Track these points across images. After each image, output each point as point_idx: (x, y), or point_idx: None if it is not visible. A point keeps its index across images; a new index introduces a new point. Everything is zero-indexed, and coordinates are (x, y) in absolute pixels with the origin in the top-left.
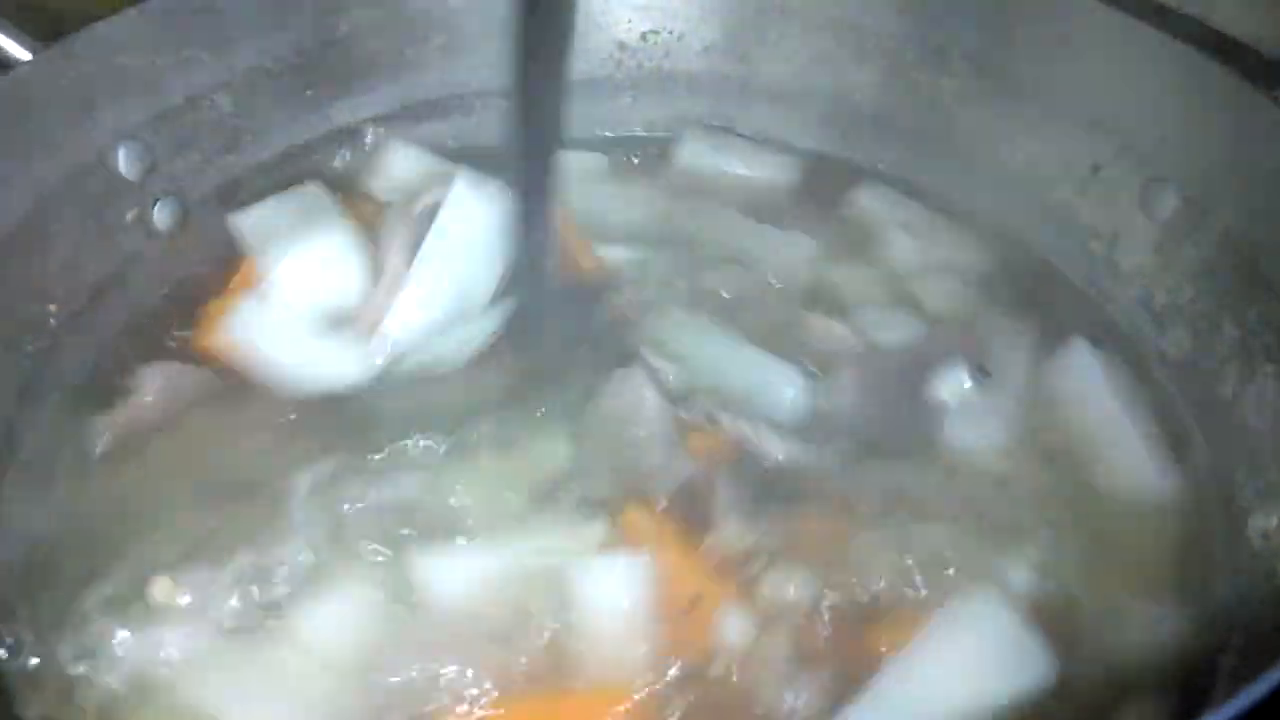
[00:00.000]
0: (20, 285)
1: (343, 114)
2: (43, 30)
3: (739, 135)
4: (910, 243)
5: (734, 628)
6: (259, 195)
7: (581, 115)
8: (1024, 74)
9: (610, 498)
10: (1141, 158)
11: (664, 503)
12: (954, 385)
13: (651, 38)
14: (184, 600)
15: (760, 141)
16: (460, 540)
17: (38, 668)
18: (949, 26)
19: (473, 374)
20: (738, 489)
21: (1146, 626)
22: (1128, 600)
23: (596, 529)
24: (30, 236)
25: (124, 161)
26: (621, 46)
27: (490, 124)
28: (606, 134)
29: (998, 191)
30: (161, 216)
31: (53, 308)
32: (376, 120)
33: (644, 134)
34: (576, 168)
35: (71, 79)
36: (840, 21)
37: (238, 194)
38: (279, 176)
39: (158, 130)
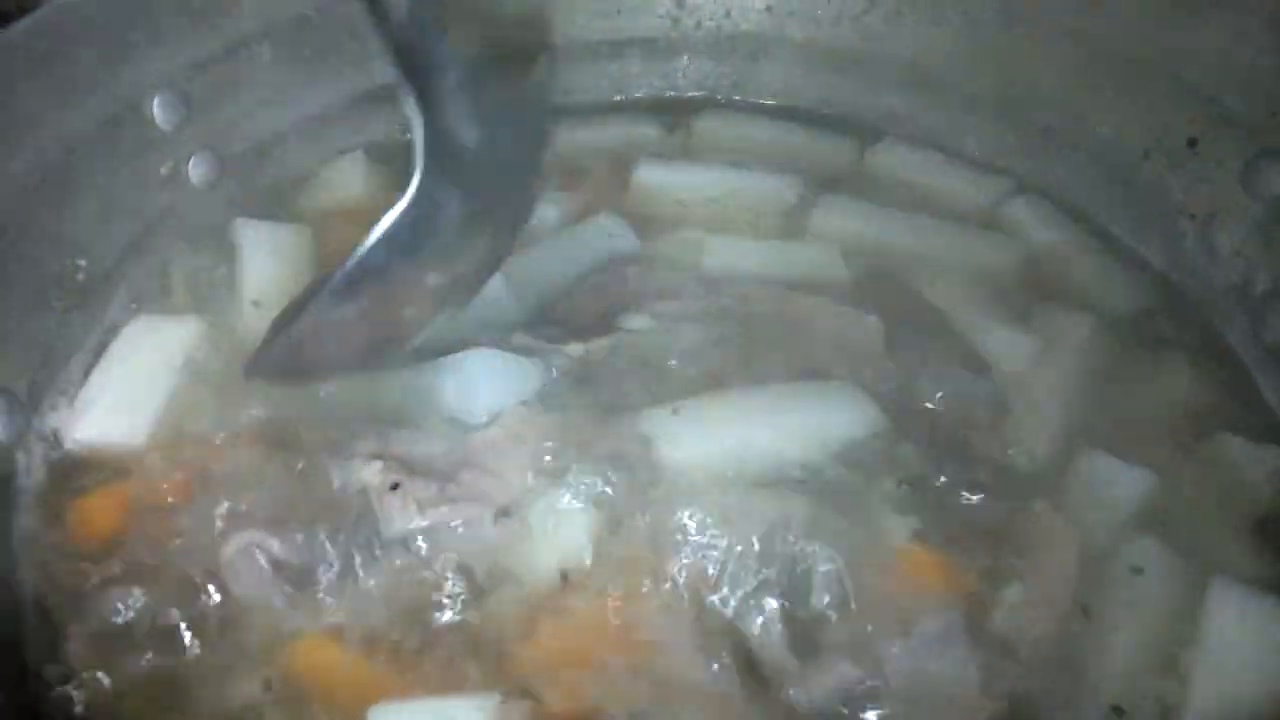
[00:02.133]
0: (49, 238)
1: (386, 70)
2: None
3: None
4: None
5: None
6: (295, 153)
7: (632, 77)
8: (1115, 35)
9: None
10: (1248, 130)
11: None
12: None
13: None
14: None
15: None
16: None
17: None
18: None
19: None
20: None
21: None
22: None
23: None
24: (60, 186)
25: (159, 111)
26: (679, 3)
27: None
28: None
29: (1076, 165)
30: (197, 171)
31: (82, 262)
32: None
33: (697, 94)
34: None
35: (103, 20)
36: None
37: (275, 151)
38: (319, 138)
39: (194, 79)
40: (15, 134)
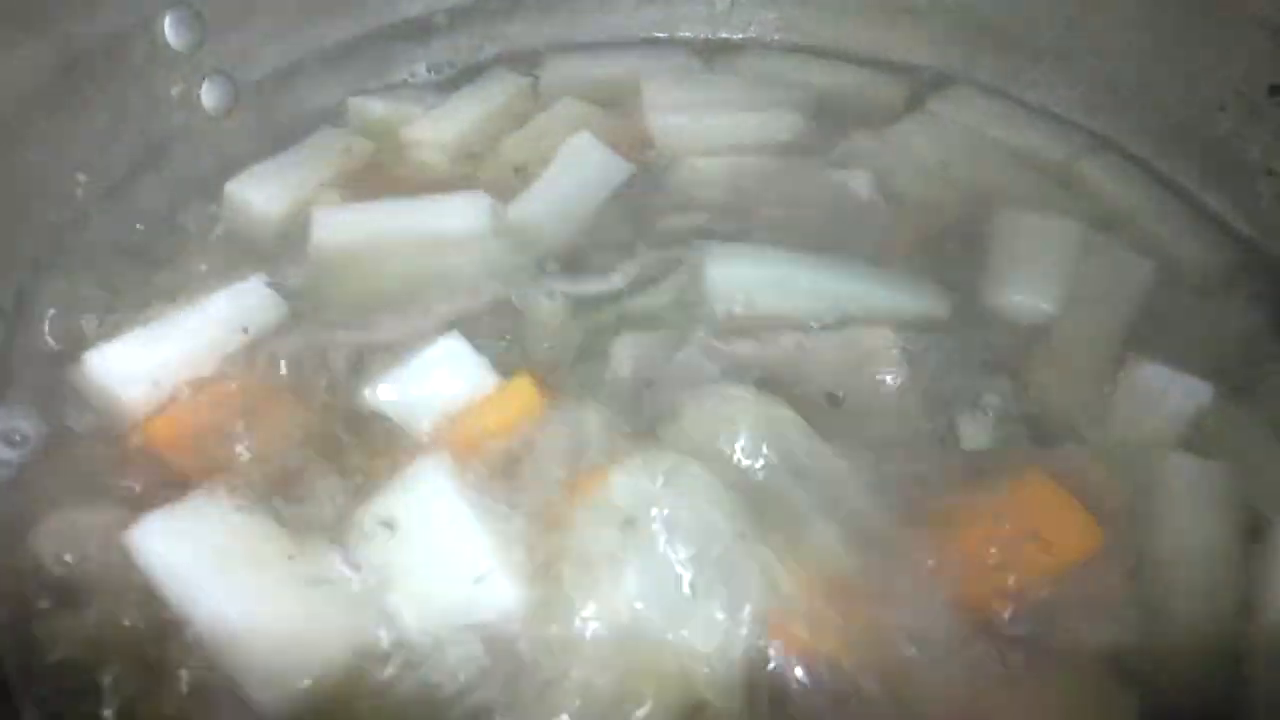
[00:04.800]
0: (46, 147)
1: (414, 2)
2: None
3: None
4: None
5: None
6: (316, 86)
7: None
8: None
9: None
10: None
11: None
12: None
13: None
14: None
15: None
16: None
17: None
18: None
19: None
20: None
21: None
22: None
23: None
24: (60, 97)
25: (171, 30)
26: None
27: (571, 22)
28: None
29: (1147, 119)
30: (210, 95)
31: (82, 178)
32: (449, 12)
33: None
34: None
35: None
36: None
37: (294, 80)
38: (340, 70)
39: None
40: (12, 35)
